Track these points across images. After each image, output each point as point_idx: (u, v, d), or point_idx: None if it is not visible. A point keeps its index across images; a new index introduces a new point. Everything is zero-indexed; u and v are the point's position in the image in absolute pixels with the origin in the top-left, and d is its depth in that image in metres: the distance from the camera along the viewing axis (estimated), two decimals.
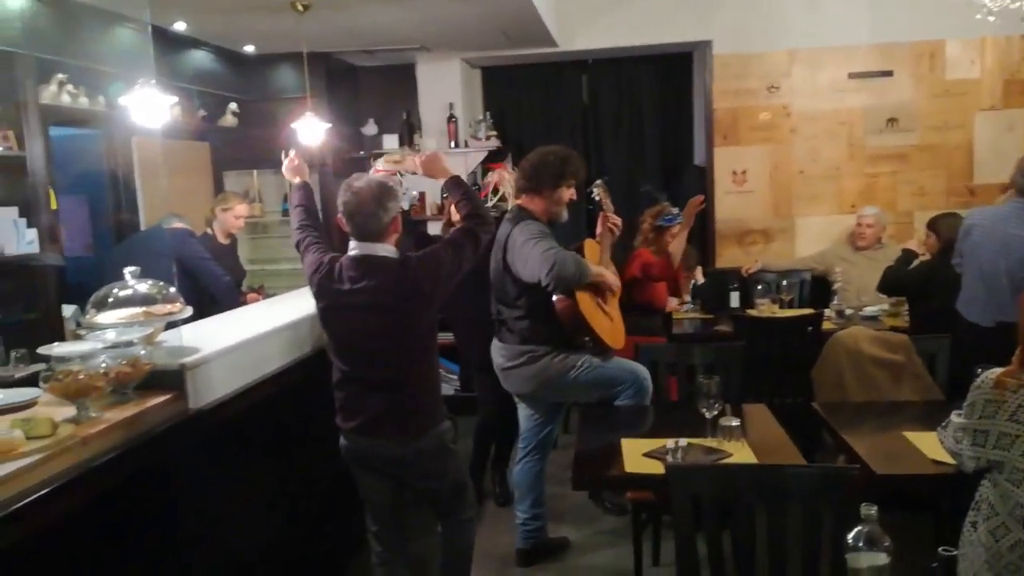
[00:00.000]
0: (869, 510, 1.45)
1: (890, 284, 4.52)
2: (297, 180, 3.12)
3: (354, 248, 2.64)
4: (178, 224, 4.56)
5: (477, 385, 4.26)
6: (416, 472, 2.71)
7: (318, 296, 2.68)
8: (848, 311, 4.79)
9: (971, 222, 3.80)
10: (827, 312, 4.69)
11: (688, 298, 5.15)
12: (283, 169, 3.19)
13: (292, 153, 3.19)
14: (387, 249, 2.63)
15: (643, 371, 3.36)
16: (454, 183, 2.98)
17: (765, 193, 6.01)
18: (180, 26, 4.69)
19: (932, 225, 4.49)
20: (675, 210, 4.41)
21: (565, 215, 3.42)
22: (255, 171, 6.13)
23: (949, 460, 2.30)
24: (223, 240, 4.85)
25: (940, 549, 1.32)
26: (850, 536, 1.46)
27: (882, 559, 1.44)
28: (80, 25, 4.10)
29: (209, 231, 4.83)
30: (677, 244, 4.23)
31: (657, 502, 3.08)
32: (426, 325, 2.67)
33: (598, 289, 3.34)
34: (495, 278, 3.40)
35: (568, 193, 3.37)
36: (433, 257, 2.65)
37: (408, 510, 2.84)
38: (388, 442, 2.64)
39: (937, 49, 5.71)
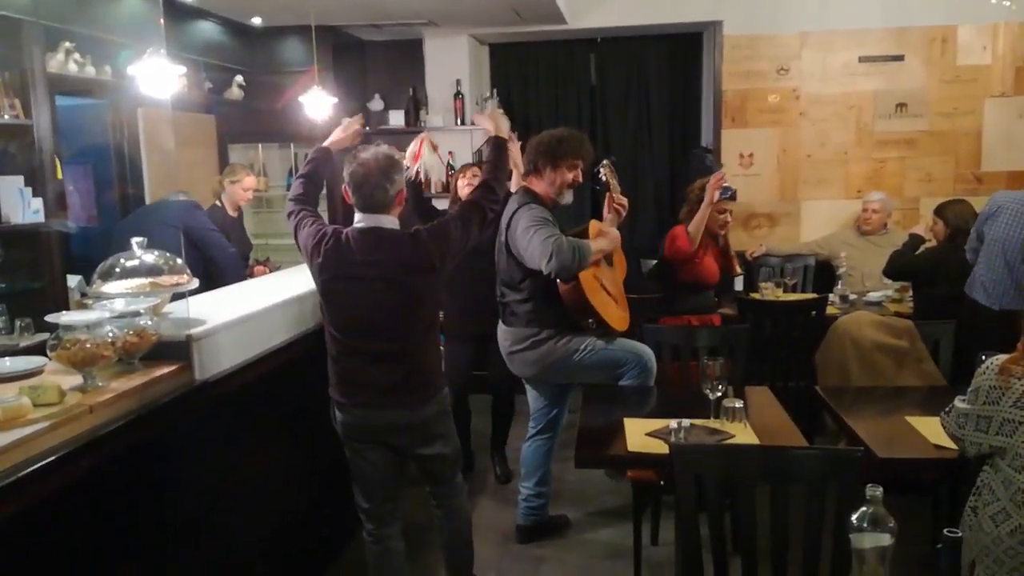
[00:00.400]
0: (875, 491, 1.45)
1: (897, 269, 4.51)
2: (328, 144, 3.08)
3: (360, 220, 2.62)
4: (184, 199, 4.56)
5: (447, 354, 4.05)
6: (424, 438, 2.71)
7: (324, 267, 2.63)
8: (852, 296, 4.79)
9: (999, 203, 3.77)
10: (831, 297, 4.69)
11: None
12: (338, 130, 3.13)
13: (358, 119, 3.16)
14: (392, 221, 2.63)
15: (647, 352, 3.36)
16: (497, 145, 2.98)
17: (772, 176, 5.99)
18: None
19: (939, 212, 4.47)
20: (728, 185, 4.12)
21: (568, 198, 3.39)
22: (260, 145, 6.12)
23: (951, 445, 2.31)
24: (232, 213, 4.85)
25: (945, 531, 1.32)
26: (854, 516, 1.46)
27: (886, 540, 1.44)
28: None
29: (218, 203, 4.82)
30: (696, 223, 4.01)
31: (658, 482, 3.09)
32: (432, 297, 2.67)
33: (598, 264, 3.33)
34: (500, 260, 3.39)
35: (569, 175, 3.33)
36: (443, 230, 2.64)
37: (405, 483, 2.85)
38: (398, 412, 2.64)
39: (949, 34, 5.67)
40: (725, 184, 4.08)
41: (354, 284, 2.58)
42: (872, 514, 1.46)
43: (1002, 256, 3.65)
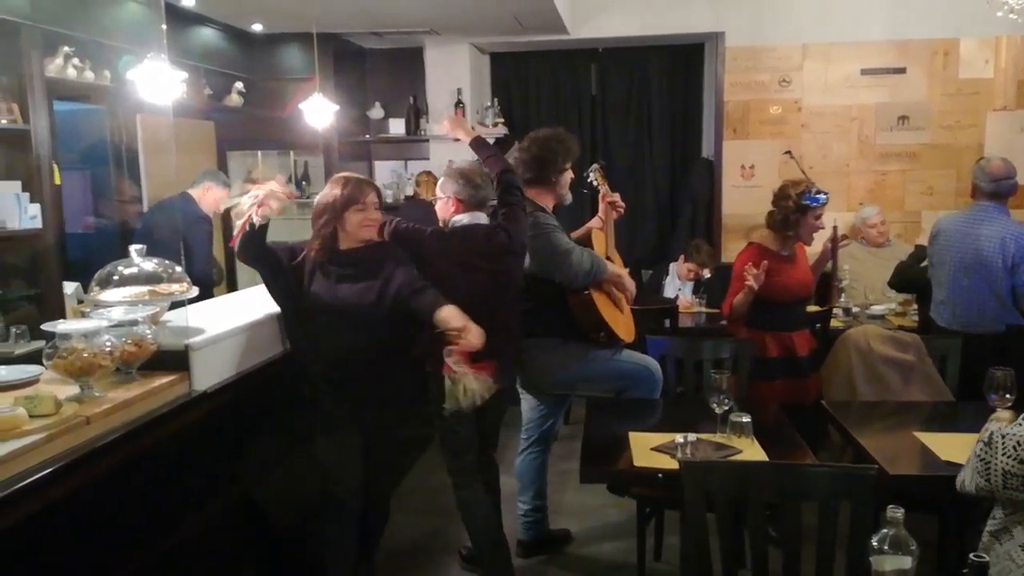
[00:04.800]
0: (896, 513, 1.42)
1: (902, 280, 4.47)
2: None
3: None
4: (209, 184, 4.55)
5: None
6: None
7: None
8: (855, 309, 4.75)
9: (938, 227, 3.86)
10: (834, 310, 4.65)
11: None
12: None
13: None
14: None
15: (654, 364, 3.32)
16: (479, 143, 3.16)
17: (773, 188, 5.93)
18: (188, 1, 4.61)
19: None
20: (821, 192, 3.65)
21: (570, 197, 3.40)
22: (259, 152, 6.07)
23: (962, 462, 2.25)
24: None
25: (972, 556, 1.28)
26: (875, 539, 1.43)
27: (907, 563, 1.41)
28: None
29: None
30: (740, 300, 3.55)
31: (662, 496, 3.04)
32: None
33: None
34: None
35: (569, 174, 3.34)
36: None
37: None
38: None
39: (952, 47, 5.66)
40: (821, 193, 3.68)
41: None
42: (893, 536, 1.43)
43: (946, 276, 3.76)
